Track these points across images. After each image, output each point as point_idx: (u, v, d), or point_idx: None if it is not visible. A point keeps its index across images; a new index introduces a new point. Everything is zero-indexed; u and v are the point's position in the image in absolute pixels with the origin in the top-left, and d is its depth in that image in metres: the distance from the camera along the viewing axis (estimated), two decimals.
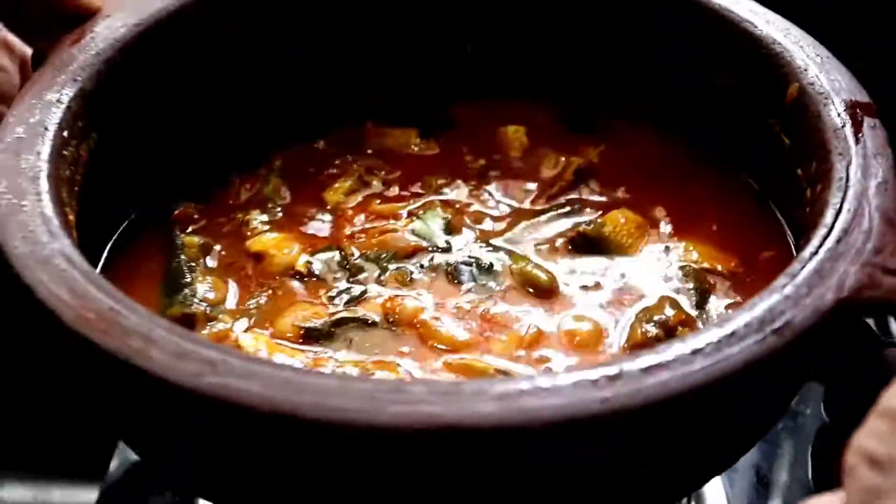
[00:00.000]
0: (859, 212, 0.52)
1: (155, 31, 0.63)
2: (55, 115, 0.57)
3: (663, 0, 0.68)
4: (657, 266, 0.63)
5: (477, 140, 0.72)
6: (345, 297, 0.60)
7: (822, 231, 0.52)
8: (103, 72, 0.60)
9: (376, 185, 0.69)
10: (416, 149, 0.72)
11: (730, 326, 0.47)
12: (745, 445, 0.55)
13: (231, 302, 0.60)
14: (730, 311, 0.59)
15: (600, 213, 0.66)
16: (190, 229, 0.65)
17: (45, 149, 0.55)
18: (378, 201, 0.68)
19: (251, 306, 0.60)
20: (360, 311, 0.59)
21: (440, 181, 0.69)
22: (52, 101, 0.57)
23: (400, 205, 0.67)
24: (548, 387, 0.44)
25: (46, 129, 0.56)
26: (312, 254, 0.63)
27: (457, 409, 0.43)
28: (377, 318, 0.59)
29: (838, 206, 0.53)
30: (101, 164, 0.60)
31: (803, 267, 0.50)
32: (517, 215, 0.67)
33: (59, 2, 0.62)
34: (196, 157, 0.67)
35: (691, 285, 0.62)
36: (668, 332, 0.58)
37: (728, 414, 0.48)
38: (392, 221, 0.66)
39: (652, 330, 0.58)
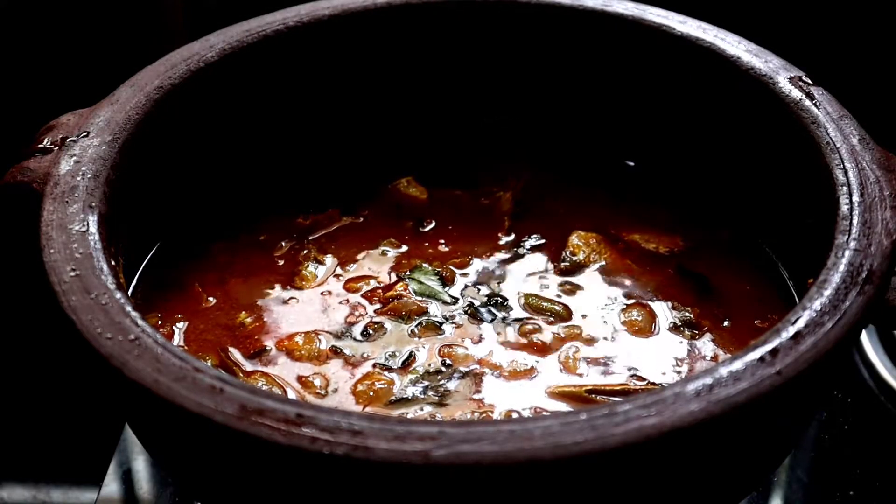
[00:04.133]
0: None
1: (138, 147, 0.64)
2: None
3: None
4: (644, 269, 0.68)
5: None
6: (396, 360, 0.62)
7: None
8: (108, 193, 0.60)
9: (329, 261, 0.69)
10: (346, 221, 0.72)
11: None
12: None
13: (292, 395, 0.60)
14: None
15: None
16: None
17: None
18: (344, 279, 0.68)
19: (322, 392, 0.60)
20: (430, 366, 0.61)
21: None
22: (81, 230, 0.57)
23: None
24: (729, 374, 0.48)
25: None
26: (338, 336, 0.63)
27: (670, 413, 0.46)
28: (442, 368, 0.61)
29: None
30: None
31: None
32: (482, 255, 0.69)
33: None
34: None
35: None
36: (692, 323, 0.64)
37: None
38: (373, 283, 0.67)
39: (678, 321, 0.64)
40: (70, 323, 0.52)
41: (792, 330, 0.50)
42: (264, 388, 0.59)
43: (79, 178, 0.59)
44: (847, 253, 0.54)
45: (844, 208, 0.57)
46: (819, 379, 0.53)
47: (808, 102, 0.64)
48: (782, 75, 0.66)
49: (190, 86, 0.67)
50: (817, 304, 0.52)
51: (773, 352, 0.49)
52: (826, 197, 0.59)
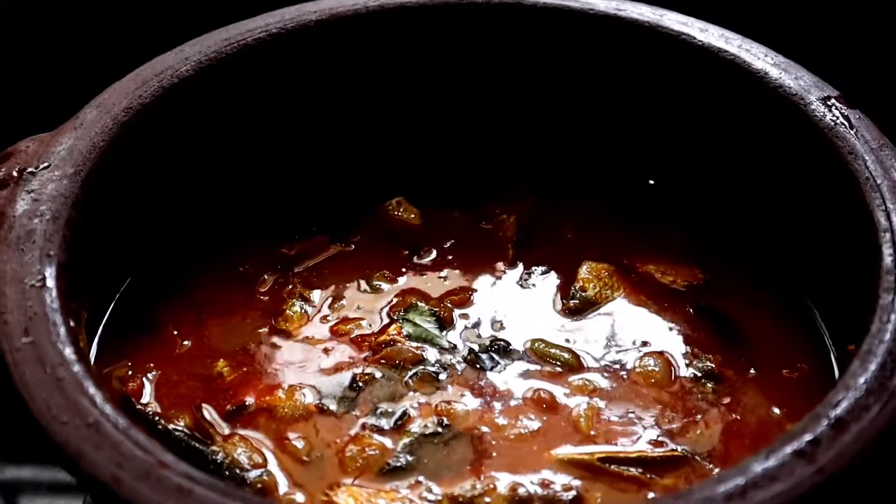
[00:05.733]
0: None
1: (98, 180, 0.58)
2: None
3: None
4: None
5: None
6: (389, 419, 0.56)
7: None
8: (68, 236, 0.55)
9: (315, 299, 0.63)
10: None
11: None
12: None
13: (273, 463, 0.54)
14: None
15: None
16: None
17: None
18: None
19: (306, 459, 0.54)
20: (426, 427, 0.55)
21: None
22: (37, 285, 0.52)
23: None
24: (763, 473, 0.43)
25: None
26: (324, 391, 0.58)
27: None
28: (439, 430, 0.55)
29: None
30: None
31: None
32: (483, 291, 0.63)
33: None
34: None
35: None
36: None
37: None
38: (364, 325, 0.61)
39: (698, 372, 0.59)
40: (22, 401, 0.46)
41: (833, 415, 0.45)
42: (243, 455, 0.54)
43: (36, 221, 0.53)
44: (894, 317, 0.49)
45: (888, 260, 0.51)
46: (865, 470, 0.47)
47: (843, 129, 0.58)
48: (814, 95, 0.60)
49: (162, 105, 0.61)
50: (861, 382, 0.46)
51: (814, 443, 0.44)
52: (865, 239, 0.54)
